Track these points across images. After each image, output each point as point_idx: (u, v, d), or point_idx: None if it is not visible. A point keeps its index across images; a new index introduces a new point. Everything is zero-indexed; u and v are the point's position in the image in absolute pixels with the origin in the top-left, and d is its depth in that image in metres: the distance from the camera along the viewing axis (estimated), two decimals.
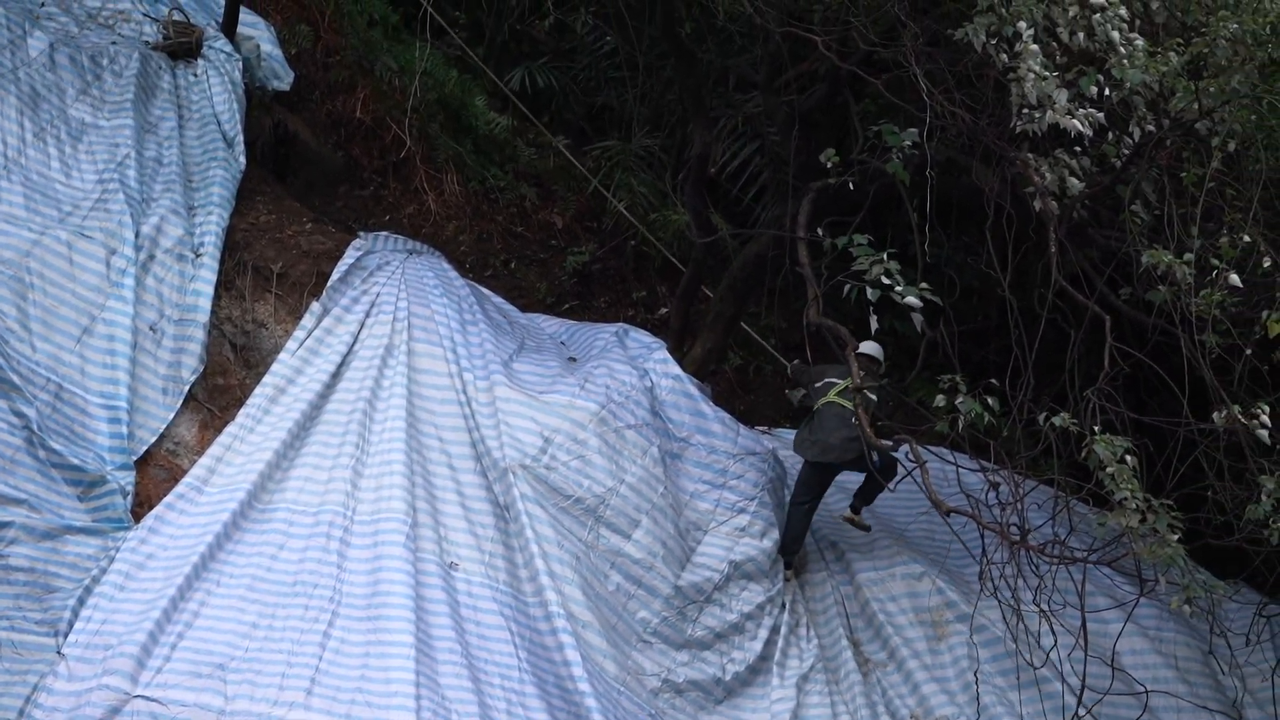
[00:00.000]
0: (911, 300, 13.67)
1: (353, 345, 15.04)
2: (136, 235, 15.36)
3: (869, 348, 14.86)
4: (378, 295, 15.34)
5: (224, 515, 13.03)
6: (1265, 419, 12.56)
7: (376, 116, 19.04)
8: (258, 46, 17.58)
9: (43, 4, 16.93)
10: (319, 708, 11.86)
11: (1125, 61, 12.85)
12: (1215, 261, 12.90)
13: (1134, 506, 12.22)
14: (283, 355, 14.84)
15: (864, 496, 15.08)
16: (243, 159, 16.80)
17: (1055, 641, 13.42)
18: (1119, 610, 14.19)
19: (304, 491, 13.41)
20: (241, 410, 14.31)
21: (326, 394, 14.64)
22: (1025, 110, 13.26)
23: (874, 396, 14.60)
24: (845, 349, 14.41)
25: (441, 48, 19.95)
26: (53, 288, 14.59)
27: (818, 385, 15.01)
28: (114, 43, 16.98)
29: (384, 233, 16.59)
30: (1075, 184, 13.98)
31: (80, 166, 15.64)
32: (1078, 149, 14.01)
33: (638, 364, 15.42)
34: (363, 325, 15.27)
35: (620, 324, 16.65)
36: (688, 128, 18.39)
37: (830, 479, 15.08)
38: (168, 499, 13.26)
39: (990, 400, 13.19)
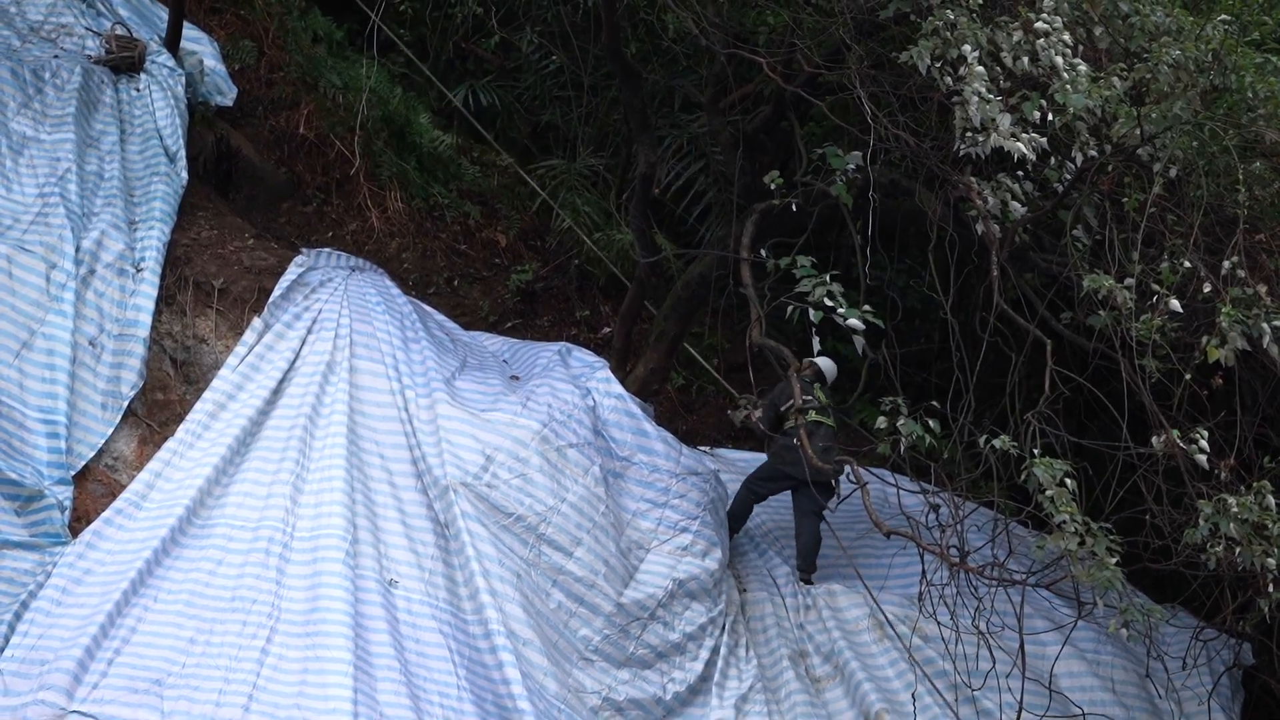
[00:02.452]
0: (854, 323, 13.75)
1: (294, 362, 14.99)
2: (77, 250, 15.27)
3: (824, 365, 15.03)
4: (320, 312, 15.29)
5: (162, 531, 12.96)
6: (1204, 444, 12.66)
7: (320, 133, 18.98)
8: (201, 61, 17.52)
9: None
10: None
11: (1068, 86, 12.93)
12: (1156, 287, 13.01)
13: (1073, 530, 12.31)
14: (223, 371, 14.78)
15: (805, 553, 15.20)
16: (185, 174, 16.73)
17: (994, 663, 13.48)
18: (1057, 633, 14.26)
19: (243, 507, 13.35)
20: (181, 426, 14.24)
21: (267, 410, 14.58)
22: (969, 133, 13.33)
23: (831, 424, 14.82)
24: (788, 370, 14.48)
25: (386, 64, 19.93)
26: None
27: (784, 409, 15.11)
28: (56, 56, 16.89)
29: (327, 249, 16.54)
30: (1017, 208, 14.08)
31: (21, 180, 15.54)
32: (1020, 173, 14.11)
33: (580, 383, 15.44)
34: (304, 342, 15.22)
35: (563, 343, 16.68)
36: (632, 147, 18.40)
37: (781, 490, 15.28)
38: (106, 514, 13.18)
39: (931, 423, 13.26)
